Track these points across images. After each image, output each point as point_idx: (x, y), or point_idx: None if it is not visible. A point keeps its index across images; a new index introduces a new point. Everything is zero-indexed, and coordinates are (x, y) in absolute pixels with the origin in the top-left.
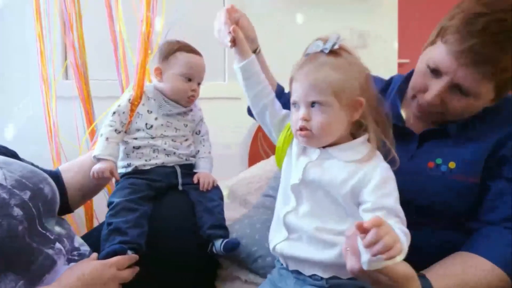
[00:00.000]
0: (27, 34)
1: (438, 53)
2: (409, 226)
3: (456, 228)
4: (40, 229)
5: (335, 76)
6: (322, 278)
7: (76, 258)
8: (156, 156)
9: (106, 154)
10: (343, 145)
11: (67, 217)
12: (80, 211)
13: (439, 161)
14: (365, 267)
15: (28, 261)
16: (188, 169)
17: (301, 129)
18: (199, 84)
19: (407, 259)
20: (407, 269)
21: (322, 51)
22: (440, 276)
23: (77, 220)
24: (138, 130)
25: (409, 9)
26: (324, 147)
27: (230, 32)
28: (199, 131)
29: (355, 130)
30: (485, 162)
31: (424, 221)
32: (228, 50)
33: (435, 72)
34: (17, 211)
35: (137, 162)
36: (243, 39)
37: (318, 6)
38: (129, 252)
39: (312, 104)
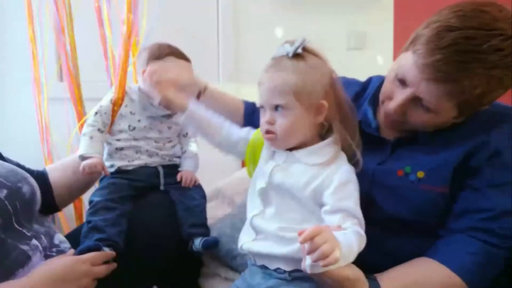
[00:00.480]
0: (20, 36)
1: (406, 63)
2: (380, 232)
3: (428, 235)
4: (16, 226)
5: (296, 80)
6: (285, 271)
7: (54, 254)
8: (139, 157)
9: (92, 152)
10: (308, 148)
11: (60, 215)
12: (71, 209)
13: (408, 169)
14: (307, 271)
15: (1, 255)
16: (171, 169)
17: (266, 132)
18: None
19: (380, 264)
20: (352, 272)
21: (287, 54)
22: (391, 278)
23: (68, 218)
24: (121, 131)
25: (405, 10)
26: (291, 150)
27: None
28: (187, 133)
29: (324, 132)
30: (453, 172)
31: (395, 227)
32: (222, 51)
33: (401, 81)
34: None
35: (120, 163)
36: (171, 98)
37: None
38: (106, 249)
39: (276, 107)
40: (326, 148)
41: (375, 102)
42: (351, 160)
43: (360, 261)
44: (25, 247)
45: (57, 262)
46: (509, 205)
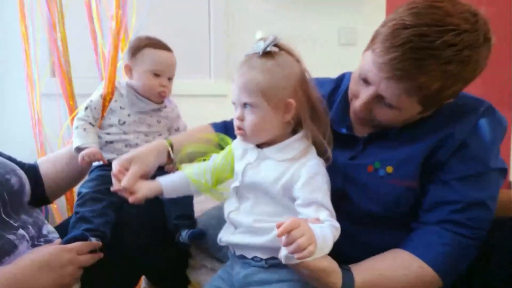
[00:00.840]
0: (12, 33)
1: (367, 62)
2: (353, 225)
3: (399, 229)
4: (4, 216)
5: (262, 79)
6: (261, 259)
7: (42, 244)
8: (128, 150)
9: (89, 142)
10: (278, 144)
11: (52, 206)
12: (63, 201)
13: (377, 165)
14: (283, 261)
15: None
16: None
17: (237, 128)
18: (170, 79)
19: (354, 255)
20: (327, 264)
21: (257, 52)
22: (364, 269)
23: (60, 209)
24: (111, 126)
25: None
26: (262, 148)
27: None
28: (178, 127)
29: (296, 127)
30: (421, 166)
31: (367, 221)
32: (214, 47)
33: (364, 80)
34: None
35: (109, 156)
36: (144, 196)
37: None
38: (93, 239)
39: (245, 104)
40: (295, 144)
41: (347, 99)
42: (322, 155)
43: (335, 252)
44: (11, 237)
45: (43, 250)
46: (477, 196)
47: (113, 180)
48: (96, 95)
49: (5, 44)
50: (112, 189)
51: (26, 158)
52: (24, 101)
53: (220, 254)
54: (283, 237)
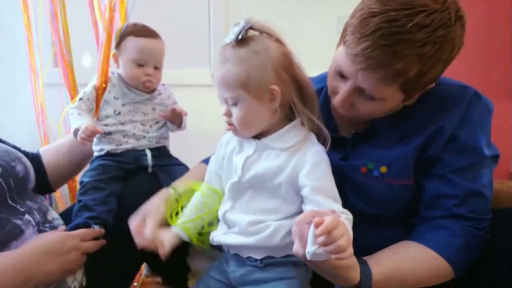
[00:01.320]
0: (15, 23)
1: (340, 56)
2: (356, 228)
3: (401, 226)
4: (10, 202)
5: (237, 70)
6: (256, 260)
7: (47, 230)
8: (126, 141)
9: (84, 122)
10: (276, 133)
11: (56, 195)
12: (65, 189)
13: (371, 166)
14: (308, 257)
15: None
16: (159, 151)
17: (228, 124)
18: (157, 68)
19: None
20: (350, 260)
21: (230, 42)
22: (378, 262)
23: (63, 198)
24: (107, 117)
25: None
26: (259, 138)
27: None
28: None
29: (290, 112)
30: (415, 163)
31: (367, 221)
32: (213, 37)
33: (340, 75)
34: None
35: (109, 147)
36: (169, 242)
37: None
38: (96, 227)
39: (226, 100)
40: (294, 131)
41: (329, 99)
42: (319, 136)
43: None
44: (18, 221)
45: (48, 236)
46: (474, 187)
47: (136, 238)
48: (89, 86)
49: (8, 34)
50: (138, 247)
51: (30, 147)
52: (27, 91)
53: None
54: (319, 238)
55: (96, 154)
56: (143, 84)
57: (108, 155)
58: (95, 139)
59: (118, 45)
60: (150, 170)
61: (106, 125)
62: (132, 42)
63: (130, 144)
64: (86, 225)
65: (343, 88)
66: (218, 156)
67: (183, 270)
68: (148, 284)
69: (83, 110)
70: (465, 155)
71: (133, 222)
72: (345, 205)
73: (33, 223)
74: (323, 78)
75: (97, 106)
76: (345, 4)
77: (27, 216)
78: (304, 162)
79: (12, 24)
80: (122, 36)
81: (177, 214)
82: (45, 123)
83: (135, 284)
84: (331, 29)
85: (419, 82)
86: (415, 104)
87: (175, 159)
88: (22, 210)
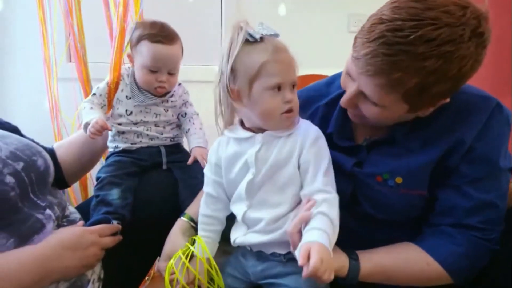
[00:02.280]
0: (31, 18)
1: (350, 57)
2: (363, 225)
3: (411, 229)
4: (32, 196)
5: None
6: (280, 254)
7: (65, 224)
8: (140, 141)
9: (96, 116)
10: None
11: (69, 190)
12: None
13: (386, 176)
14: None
15: (19, 222)
16: (173, 148)
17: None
18: (171, 74)
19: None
20: (337, 265)
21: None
22: (371, 259)
23: (75, 193)
24: (120, 116)
25: None
26: (263, 131)
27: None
28: (185, 113)
29: None
30: (431, 174)
31: (377, 223)
32: (225, 33)
33: (349, 75)
34: (9, 179)
35: (123, 145)
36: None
37: None
38: (114, 222)
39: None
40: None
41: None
42: None
43: (341, 248)
44: (40, 216)
45: (68, 231)
46: (487, 198)
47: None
48: (103, 82)
49: (24, 29)
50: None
51: (43, 142)
52: (41, 85)
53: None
54: (305, 273)
55: (111, 150)
56: (155, 89)
57: (123, 151)
58: (109, 137)
59: (133, 47)
60: (164, 166)
61: (119, 124)
62: (146, 48)
63: (144, 143)
64: (106, 221)
65: (350, 88)
66: (211, 164)
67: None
68: (159, 277)
69: (95, 105)
70: (481, 166)
71: (161, 268)
72: (358, 207)
73: (53, 217)
74: (326, 83)
75: (110, 102)
76: (356, 2)
77: (48, 211)
78: (306, 138)
79: (27, 20)
80: (138, 39)
81: (194, 242)
82: (59, 117)
83: (146, 278)
84: (342, 27)
85: (423, 96)
86: (433, 113)
87: (190, 155)
88: (43, 204)
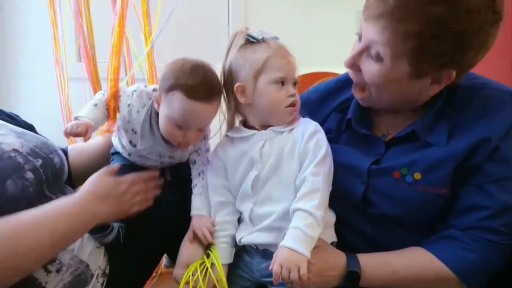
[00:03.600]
0: (41, 18)
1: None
2: (375, 228)
3: (425, 231)
4: (47, 192)
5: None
6: None
7: None
8: (144, 162)
9: (91, 117)
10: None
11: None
12: None
13: (404, 171)
14: None
15: None
16: (179, 167)
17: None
18: (200, 130)
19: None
20: (335, 260)
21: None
22: (372, 255)
23: None
24: (122, 137)
25: None
26: (266, 128)
27: None
28: (194, 161)
29: None
30: (454, 171)
31: (390, 224)
32: (232, 32)
33: (360, 36)
34: (29, 175)
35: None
36: None
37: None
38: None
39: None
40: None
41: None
42: None
43: (354, 252)
44: None
45: (98, 182)
46: (509, 199)
47: None
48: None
49: (35, 30)
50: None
51: (56, 141)
52: (52, 85)
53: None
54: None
55: (113, 150)
56: (177, 143)
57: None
58: (115, 147)
59: (163, 93)
60: (168, 178)
61: (123, 146)
62: (178, 101)
63: (148, 165)
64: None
65: (356, 47)
66: (217, 167)
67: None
68: (166, 274)
69: (102, 105)
70: (505, 166)
71: (179, 275)
72: (370, 208)
73: None
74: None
75: (110, 114)
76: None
77: None
78: (304, 132)
79: (39, 19)
80: (170, 87)
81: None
82: (71, 116)
83: (154, 274)
84: (349, 23)
85: (424, 54)
86: (456, 106)
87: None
88: None
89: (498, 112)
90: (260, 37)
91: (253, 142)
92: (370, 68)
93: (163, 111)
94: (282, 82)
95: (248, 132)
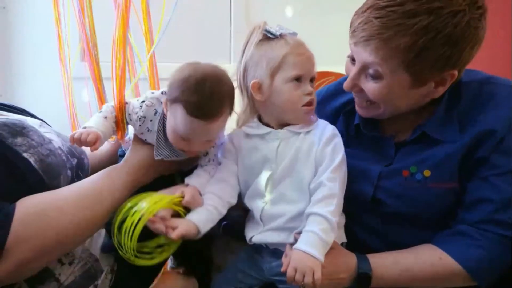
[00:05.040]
0: (45, 17)
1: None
2: (386, 224)
3: (436, 227)
4: None
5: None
6: None
7: None
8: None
9: (100, 128)
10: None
11: None
12: None
13: (413, 169)
14: None
15: None
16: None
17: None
18: (209, 140)
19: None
20: (345, 261)
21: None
22: (382, 254)
23: None
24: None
25: None
26: (282, 127)
27: None
28: (206, 152)
29: None
30: (460, 164)
31: (401, 221)
32: (234, 30)
33: (352, 59)
34: (69, 173)
35: None
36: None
37: None
38: None
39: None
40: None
41: None
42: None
43: (365, 249)
44: None
45: (138, 153)
46: None
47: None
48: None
49: (39, 29)
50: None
51: None
52: (57, 85)
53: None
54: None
55: (120, 151)
56: (185, 152)
57: None
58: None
59: (170, 102)
60: (178, 182)
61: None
62: (180, 115)
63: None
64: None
65: (353, 71)
66: (229, 150)
67: (207, 262)
68: (170, 274)
69: (111, 117)
70: (510, 157)
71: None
72: (381, 206)
73: None
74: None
75: (118, 127)
76: (362, 1)
77: None
78: (322, 135)
79: (42, 19)
80: (175, 99)
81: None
82: (76, 115)
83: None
84: (348, 27)
85: (421, 61)
86: (462, 101)
87: None
88: None
89: (503, 105)
90: (278, 33)
91: (267, 140)
92: (372, 87)
93: (169, 120)
94: (299, 79)
95: (264, 129)
